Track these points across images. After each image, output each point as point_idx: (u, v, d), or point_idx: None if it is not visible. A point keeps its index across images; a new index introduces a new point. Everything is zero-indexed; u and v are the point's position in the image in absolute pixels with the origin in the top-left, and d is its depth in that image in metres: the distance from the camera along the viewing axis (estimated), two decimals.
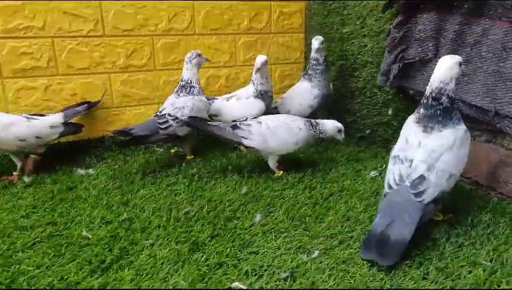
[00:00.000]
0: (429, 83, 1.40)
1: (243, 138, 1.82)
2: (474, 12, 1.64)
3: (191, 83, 2.02)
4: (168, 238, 1.35)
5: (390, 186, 1.35)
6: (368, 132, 2.24)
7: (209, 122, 1.92)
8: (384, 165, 1.93)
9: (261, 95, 2.12)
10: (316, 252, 1.28)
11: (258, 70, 2.07)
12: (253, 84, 2.13)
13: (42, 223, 1.44)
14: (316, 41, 2.19)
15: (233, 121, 1.99)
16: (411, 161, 1.34)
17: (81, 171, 1.88)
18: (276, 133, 1.83)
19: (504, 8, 1.54)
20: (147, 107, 2.32)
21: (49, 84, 2.06)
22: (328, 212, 1.54)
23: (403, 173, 1.33)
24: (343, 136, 1.94)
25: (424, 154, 1.34)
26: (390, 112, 2.08)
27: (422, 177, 1.30)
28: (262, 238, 1.37)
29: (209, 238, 1.36)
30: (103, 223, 1.45)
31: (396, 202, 1.30)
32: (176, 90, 2.05)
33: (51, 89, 2.07)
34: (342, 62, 2.36)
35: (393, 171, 1.36)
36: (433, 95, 1.37)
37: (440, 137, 1.35)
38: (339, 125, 1.93)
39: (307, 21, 2.63)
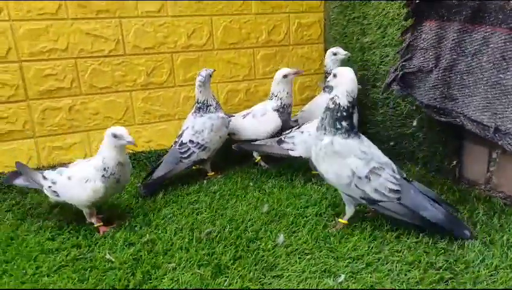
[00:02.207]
0: (345, 94, 1.42)
1: (289, 150, 1.90)
2: (474, 18, 1.51)
3: (206, 102, 2.00)
4: (190, 261, 1.34)
5: (396, 192, 1.41)
6: (391, 143, 2.18)
7: (257, 143, 2.02)
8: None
9: (283, 108, 2.09)
10: (342, 276, 1.24)
11: (279, 83, 2.05)
12: (274, 97, 2.11)
13: (67, 245, 1.45)
14: (332, 53, 2.15)
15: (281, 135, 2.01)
16: (381, 162, 1.45)
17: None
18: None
19: (504, 14, 1.41)
20: (168, 123, 2.33)
21: (73, 104, 2.11)
22: (353, 231, 1.49)
23: (391, 173, 1.43)
24: None
25: (378, 150, 1.50)
26: (415, 123, 2.01)
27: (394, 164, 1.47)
28: (286, 261, 1.34)
29: (232, 261, 1.34)
30: (126, 245, 1.45)
31: (412, 195, 1.42)
32: (193, 110, 2.05)
33: (75, 108, 2.12)
34: (363, 72, 2.31)
35: (386, 178, 1.42)
36: (352, 103, 1.44)
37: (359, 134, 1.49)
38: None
39: (326, 32, 2.60)
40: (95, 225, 1.55)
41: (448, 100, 1.66)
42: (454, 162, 1.89)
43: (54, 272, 1.31)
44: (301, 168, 2.06)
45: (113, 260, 1.35)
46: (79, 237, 1.51)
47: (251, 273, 1.27)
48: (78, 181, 1.49)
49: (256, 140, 2.07)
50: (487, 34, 1.48)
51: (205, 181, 1.99)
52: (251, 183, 1.94)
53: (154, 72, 2.25)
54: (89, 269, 1.31)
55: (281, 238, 1.45)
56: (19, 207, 1.77)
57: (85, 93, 2.13)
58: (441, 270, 1.24)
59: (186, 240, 1.46)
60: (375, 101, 2.25)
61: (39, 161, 2.08)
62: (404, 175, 1.48)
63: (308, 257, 1.35)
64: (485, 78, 1.48)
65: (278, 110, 2.09)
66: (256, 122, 2.11)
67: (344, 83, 1.43)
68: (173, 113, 2.34)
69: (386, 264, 1.30)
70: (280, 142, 1.95)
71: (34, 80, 2.01)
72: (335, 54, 2.15)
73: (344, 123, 1.43)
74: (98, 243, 1.47)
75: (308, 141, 1.84)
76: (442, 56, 1.64)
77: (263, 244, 1.43)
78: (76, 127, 2.13)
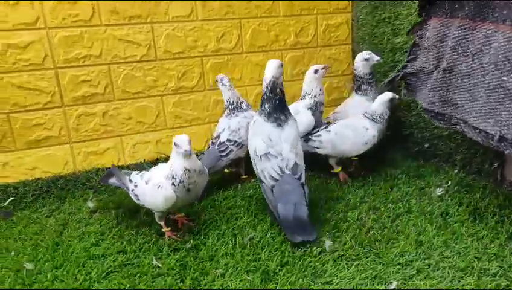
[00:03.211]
0: (263, 81, 1.58)
1: (316, 148, 1.93)
2: (477, 15, 1.40)
3: (238, 100, 2.03)
4: (237, 267, 1.33)
5: (275, 179, 1.55)
6: (426, 145, 2.15)
7: None
8: (450, 182, 1.83)
9: (315, 107, 2.08)
10: (394, 283, 1.22)
11: (311, 81, 2.04)
12: (307, 96, 2.10)
13: (113, 251, 1.46)
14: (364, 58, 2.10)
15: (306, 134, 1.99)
16: (281, 153, 1.57)
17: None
18: (343, 136, 1.89)
19: (509, 9, 1.30)
20: (199, 127, 2.34)
21: (106, 109, 2.13)
22: (398, 236, 1.47)
23: (281, 165, 1.56)
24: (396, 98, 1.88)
25: (290, 145, 1.58)
26: None
27: (296, 164, 1.57)
28: (334, 267, 1.32)
29: (279, 267, 1.33)
30: (171, 251, 1.45)
31: (287, 189, 1.53)
32: (225, 112, 2.05)
33: (109, 114, 2.13)
34: (394, 73, 2.28)
35: (272, 167, 1.57)
36: (269, 88, 1.59)
37: (290, 127, 1.62)
38: (389, 95, 1.85)
39: (354, 32, 2.58)
40: (163, 230, 1.55)
41: (448, 105, 1.57)
42: (496, 164, 1.85)
43: (104, 278, 1.32)
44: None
45: (160, 265, 1.36)
46: (123, 242, 1.52)
47: (300, 279, 1.26)
48: (152, 187, 1.48)
49: None
50: (490, 32, 1.38)
51: (239, 185, 1.99)
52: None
53: (185, 76, 2.26)
54: (138, 275, 1.32)
55: (327, 243, 1.43)
56: (59, 213, 1.80)
57: (118, 99, 2.15)
58: (496, 277, 1.22)
59: (230, 245, 1.46)
60: (409, 102, 2.22)
61: (75, 166, 2.11)
62: (302, 177, 1.58)
63: (355, 262, 1.34)
64: (487, 81, 1.37)
65: (310, 108, 2.07)
66: None
67: (266, 71, 1.60)
68: (203, 116, 2.34)
69: (437, 270, 1.28)
70: (307, 140, 1.96)
71: (70, 86, 2.03)
72: (367, 60, 2.11)
73: (266, 106, 1.62)
74: (142, 248, 1.48)
75: (334, 140, 1.91)
76: (443, 56, 1.57)
77: (308, 250, 1.42)
78: (110, 132, 2.15)
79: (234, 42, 2.34)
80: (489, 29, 1.38)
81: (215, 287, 1.25)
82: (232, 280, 1.27)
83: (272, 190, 1.55)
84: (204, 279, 1.29)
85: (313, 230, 1.48)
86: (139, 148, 2.23)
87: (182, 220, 1.64)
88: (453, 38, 1.49)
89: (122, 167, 2.17)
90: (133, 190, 1.56)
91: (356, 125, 1.91)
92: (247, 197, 1.85)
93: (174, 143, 1.42)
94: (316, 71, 2.06)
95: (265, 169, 1.58)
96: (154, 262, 1.38)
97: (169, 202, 1.45)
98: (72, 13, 1.97)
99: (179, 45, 2.21)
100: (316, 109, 2.10)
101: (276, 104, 1.61)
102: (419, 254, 1.36)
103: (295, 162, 1.58)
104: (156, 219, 1.57)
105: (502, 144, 1.34)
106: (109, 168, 2.13)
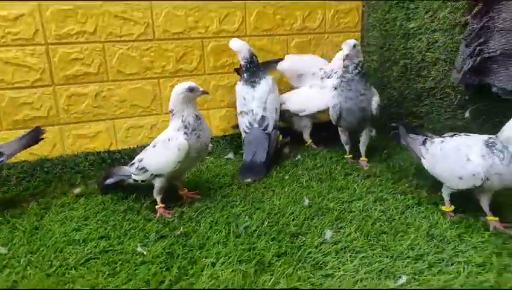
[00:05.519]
0: (242, 58, 1.99)
1: (422, 158, 1.49)
2: None
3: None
4: (230, 257, 1.21)
5: (245, 132, 1.96)
6: None
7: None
8: None
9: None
10: (404, 278, 1.09)
11: (346, 56, 1.73)
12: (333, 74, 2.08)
13: (95, 236, 1.34)
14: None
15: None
16: (252, 110, 1.95)
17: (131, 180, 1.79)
18: (446, 157, 1.39)
19: None
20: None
21: (99, 90, 2.01)
22: (408, 229, 1.34)
23: (251, 120, 1.95)
24: None
25: (258, 102, 1.95)
26: (467, 114, 1.85)
27: (263, 117, 1.94)
28: (336, 259, 1.19)
29: (275, 258, 1.20)
30: (158, 238, 1.33)
31: (251, 140, 1.93)
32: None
33: (102, 95, 2.02)
34: (406, 61, 2.15)
35: (244, 122, 1.97)
36: (248, 60, 1.99)
37: (261, 87, 1.98)
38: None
39: (364, 19, 2.45)
40: (157, 207, 1.50)
41: None
42: None
43: (82, 264, 1.20)
44: (340, 161, 1.92)
45: (145, 253, 1.23)
46: (107, 228, 1.40)
47: (298, 271, 1.13)
48: (162, 144, 1.49)
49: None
50: None
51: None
52: (286, 176, 1.80)
53: (184, 58, 2.14)
54: (119, 263, 1.19)
55: (328, 234, 1.30)
56: (43, 196, 1.68)
57: (112, 80, 2.03)
58: None
59: (223, 234, 1.34)
60: (419, 92, 2.09)
61: (63, 149, 1.99)
62: (268, 128, 1.94)
63: (360, 255, 1.20)
64: None
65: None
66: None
67: (241, 51, 2.01)
68: (202, 102, 2.22)
69: (452, 265, 1.14)
70: (424, 142, 1.54)
71: (61, 64, 1.92)
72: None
73: (245, 75, 2.02)
74: (127, 234, 1.36)
75: (437, 157, 1.43)
76: None
77: (308, 240, 1.29)
78: (102, 115, 2.04)
79: (237, 24, 2.22)
80: None
81: (203, 277, 1.12)
82: (222, 270, 1.15)
83: (243, 141, 1.95)
84: (192, 268, 1.16)
85: (263, 171, 1.81)
86: (133, 133, 2.11)
87: (187, 194, 1.63)
88: None
89: (113, 152, 2.05)
90: (138, 167, 1.53)
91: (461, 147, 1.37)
92: (244, 186, 1.72)
93: (189, 88, 1.43)
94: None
95: (242, 123, 1.98)
96: (139, 249, 1.25)
97: (182, 152, 1.43)
98: None
99: (179, 25, 2.09)
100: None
101: (252, 72, 2.00)
102: (431, 247, 1.23)
103: (262, 116, 1.94)
104: (155, 193, 1.52)
105: None
106: (99, 152, 2.03)
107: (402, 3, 2.12)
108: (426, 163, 1.48)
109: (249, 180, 1.75)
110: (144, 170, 1.52)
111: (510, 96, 1.65)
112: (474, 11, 1.65)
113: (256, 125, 1.94)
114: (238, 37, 2.21)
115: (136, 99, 2.09)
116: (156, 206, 1.50)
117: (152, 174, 1.50)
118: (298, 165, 1.93)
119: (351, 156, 1.95)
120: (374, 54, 2.37)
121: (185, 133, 1.45)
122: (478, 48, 1.67)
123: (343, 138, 1.93)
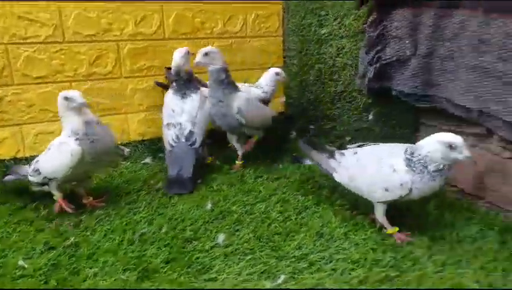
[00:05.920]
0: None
1: (334, 172, 1.46)
2: (449, 3, 1.53)
3: None
4: (116, 265, 1.19)
5: (171, 146, 1.83)
6: (348, 138, 2.10)
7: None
8: None
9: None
10: (282, 277, 1.13)
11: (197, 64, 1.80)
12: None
13: None
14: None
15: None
16: (180, 123, 1.84)
17: (35, 188, 1.72)
18: (363, 167, 1.36)
19: None
20: (112, 117, 2.15)
21: (3, 94, 1.91)
22: (300, 228, 1.39)
23: (178, 134, 1.83)
24: (464, 153, 1.18)
25: (188, 116, 1.85)
26: (370, 116, 1.95)
27: (191, 132, 1.83)
28: (224, 262, 1.21)
29: (163, 264, 1.20)
30: (46, 249, 1.28)
31: (178, 154, 1.80)
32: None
33: (6, 100, 1.92)
34: (320, 66, 2.23)
35: (171, 135, 1.84)
36: (175, 73, 1.88)
37: (192, 101, 1.87)
38: (447, 138, 1.20)
39: (284, 24, 2.51)
40: (54, 197, 1.52)
41: (430, 86, 1.66)
42: None
43: None
44: (252, 165, 1.96)
45: (26, 266, 1.19)
46: None
47: (182, 277, 1.14)
48: (54, 148, 1.47)
49: None
50: (464, 17, 1.49)
51: (152, 181, 1.83)
52: (199, 181, 1.81)
53: (98, 61, 2.09)
54: None
55: (220, 238, 1.32)
56: None
57: (18, 83, 1.93)
58: (387, 268, 1.16)
59: (116, 242, 1.32)
60: (332, 95, 2.18)
61: None
62: (196, 143, 1.82)
63: (248, 257, 1.23)
64: (465, 62, 1.49)
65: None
66: None
67: (173, 60, 1.89)
68: (119, 106, 2.17)
69: (330, 263, 1.20)
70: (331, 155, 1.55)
71: None
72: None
73: (174, 84, 1.92)
74: (13, 247, 1.30)
75: (353, 168, 1.41)
76: (420, 43, 1.65)
77: (201, 244, 1.30)
78: (7, 120, 1.94)
79: (155, 28, 2.19)
80: (464, 15, 1.50)
81: (82, 288, 1.10)
82: (104, 279, 1.13)
83: (167, 154, 1.83)
84: (72, 280, 1.13)
85: (190, 186, 1.71)
86: (42, 139, 2.02)
87: (91, 202, 1.59)
88: (429, 26, 1.58)
89: (20, 160, 1.96)
90: (33, 168, 1.52)
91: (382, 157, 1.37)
92: (153, 192, 1.71)
93: (65, 98, 1.40)
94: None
95: (168, 136, 1.84)
96: (20, 262, 1.20)
97: (75, 157, 1.40)
98: None
99: (91, 27, 2.03)
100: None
101: (181, 84, 1.90)
102: (317, 246, 1.28)
103: (190, 131, 1.83)
104: (51, 189, 1.51)
105: (481, 117, 1.48)
106: (4, 160, 1.93)
107: (316, 9, 2.19)
108: (339, 177, 1.43)
109: (175, 193, 1.67)
110: (38, 172, 1.50)
111: (407, 98, 1.76)
112: (370, 20, 1.74)
113: (183, 140, 1.81)
114: (156, 40, 2.20)
115: (46, 103, 2.00)
116: (54, 197, 1.52)
117: (45, 177, 1.49)
118: (212, 170, 1.94)
119: (242, 162, 1.95)
120: (294, 58, 2.44)
121: (77, 139, 1.42)
122: (377, 56, 1.77)
123: (232, 141, 1.97)
